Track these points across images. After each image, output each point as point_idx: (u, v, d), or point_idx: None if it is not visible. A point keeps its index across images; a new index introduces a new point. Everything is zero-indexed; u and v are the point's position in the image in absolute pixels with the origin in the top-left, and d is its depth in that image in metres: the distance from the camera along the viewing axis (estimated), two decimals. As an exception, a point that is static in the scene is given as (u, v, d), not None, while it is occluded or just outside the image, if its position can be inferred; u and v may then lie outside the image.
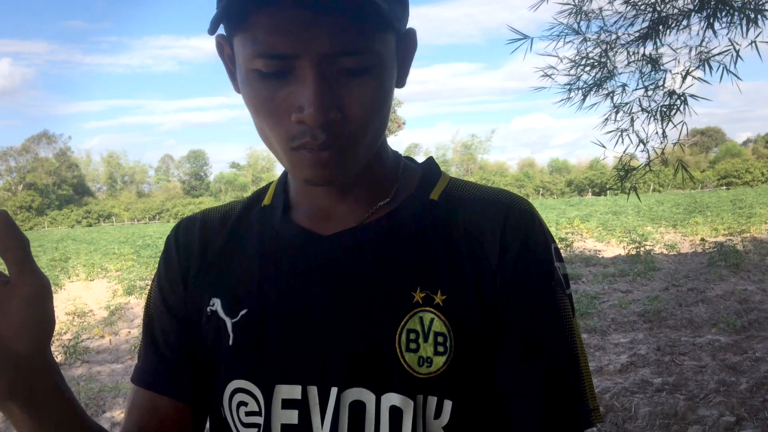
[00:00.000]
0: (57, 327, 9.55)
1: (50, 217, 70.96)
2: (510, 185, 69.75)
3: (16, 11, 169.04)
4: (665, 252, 14.14)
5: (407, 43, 0.76)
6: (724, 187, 57.59)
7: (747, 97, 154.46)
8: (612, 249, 15.37)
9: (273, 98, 0.66)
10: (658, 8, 3.16)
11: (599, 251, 14.64)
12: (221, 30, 0.71)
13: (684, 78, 3.24)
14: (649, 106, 3.38)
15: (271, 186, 0.90)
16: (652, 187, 53.86)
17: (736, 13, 2.75)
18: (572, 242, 15.07)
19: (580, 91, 3.65)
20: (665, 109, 3.25)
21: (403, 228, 0.78)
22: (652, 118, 3.32)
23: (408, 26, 0.76)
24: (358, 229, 0.78)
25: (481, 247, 0.76)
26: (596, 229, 18.61)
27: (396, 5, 0.69)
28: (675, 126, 3.27)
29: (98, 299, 11.86)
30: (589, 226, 19.20)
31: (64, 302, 11.56)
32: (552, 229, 18.18)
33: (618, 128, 3.49)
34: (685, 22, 3.15)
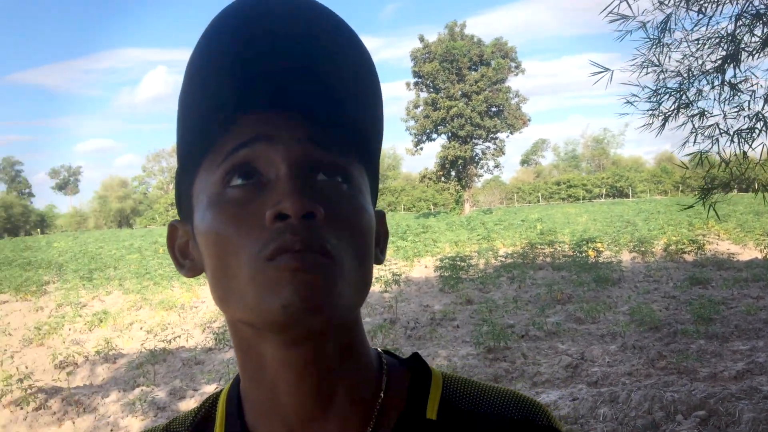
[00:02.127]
0: (208, 315, 10.73)
1: (196, 213, 76.68)
2: (646, 181, 66.42)
3: (168, 23, 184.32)
4: (809, 256, 13.27)
5: (381, 223, 0.67)
6: None
7: None
8: (749, 252, 14.60)
9: (242, 211, 0.55)
10: (737, 38, 3.31)
11: (734, 254, 13.97)
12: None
13: (766, 101, 3.38)
14: (728, 129, 3.52)
15: (219, 405, 0.69)
16: (806, 182, 49.07)
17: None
18: (704, 244, 14.46)
19: (662, 115, 3.85)
20: (746, 133, 3.39)
21: None
22: (731, 141, 3.47)
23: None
24: None
25: None
26: (734, 230, 17.65)
27: (374, 138, 0.63)
28: (753, 149, 3.41)
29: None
30: (726, 227, 18.21)
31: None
32: (683, 231, 17.47)
33: (699, 150, 3.66)
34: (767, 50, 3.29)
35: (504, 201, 70.03)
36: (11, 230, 72.53)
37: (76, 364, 8.32)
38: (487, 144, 45.71)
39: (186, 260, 0.65)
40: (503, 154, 45.94)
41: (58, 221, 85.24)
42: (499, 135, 45.17)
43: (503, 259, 15.28)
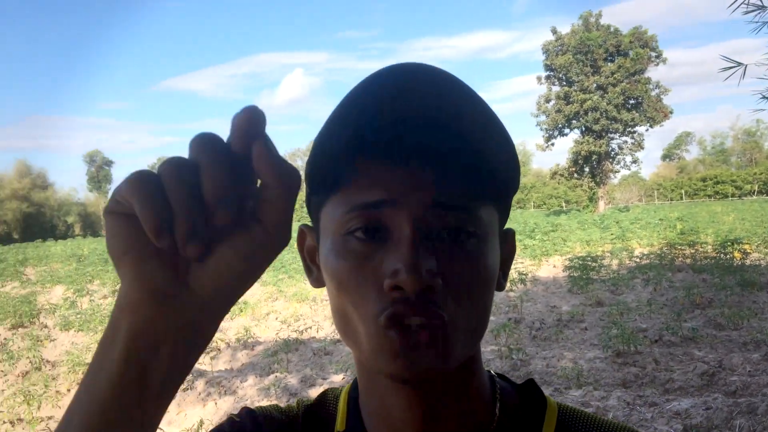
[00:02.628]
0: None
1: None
2: (806, 176, 60.36)
3: (304, 26, 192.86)
4: None
5: (508, 242, 0.68)
6: None
7: None
8: None
9: (363, 266, 0.57)
10: None
11: None
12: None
13: None
14: None
15: (340, 400, 0.74)
16: None
17: None
18: None
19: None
20: None
21: None
22: None
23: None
24: None
25: None
26: None
27: (507, 178, 0.63)
28: None
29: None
30: None
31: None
32: None
33: None
34: None
35: (642, 198, 66.46)
36: (165, 225, 78.91)
37: (219, 349, 9.02)
38: (624, 138, 43.69)
39: (314, 266, 0.68)
40: (642, 148, 43.70)
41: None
42: (637, 128, 43.04)
43: (638, 260, 14.60)
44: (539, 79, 45.43)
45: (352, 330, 0.59)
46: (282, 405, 0.76)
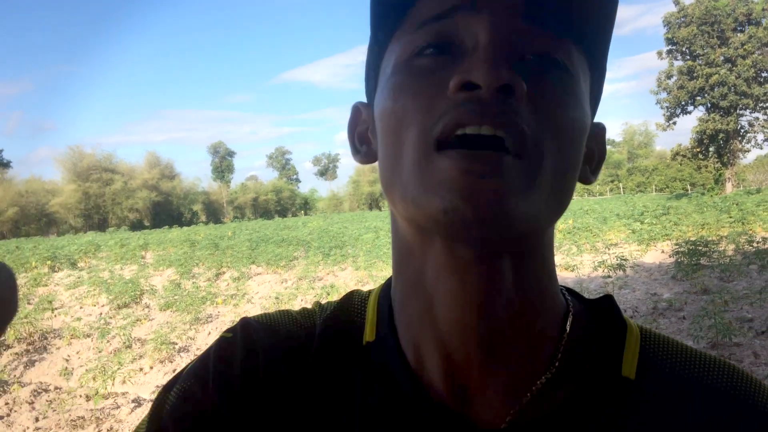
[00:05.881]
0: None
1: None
2: None
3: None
4: None
5: (597, 138, 0.55)
6: None
7: None
8: None
9: (427, 78, 0.46)
10: None
11: None
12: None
13: None
14: None
15: (369, 306, 0.59)
16: None
17: None
18: None
19: None
20: None
21: (588, 428, 0.50)
22: None
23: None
24: (527, 423, 0.50)
25: None
26: None
27: (603, 19, 0.49)
28: None
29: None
30: None
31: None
32: None
33: None
34: None
35: (779, 179, 61.02)
36: (281, 212, 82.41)
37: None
38: (756, 115, 40.10)
39: (363, 146, 0.58)
40: (776, 125, 39.93)
41: (319, 204, 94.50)
42: (771, 103, 39.35)
43: (758, 245, 13.28)
44: (660, 54, 42.60)
45: (398, 167, 0.46)
46: (300, 308, 0.63)
